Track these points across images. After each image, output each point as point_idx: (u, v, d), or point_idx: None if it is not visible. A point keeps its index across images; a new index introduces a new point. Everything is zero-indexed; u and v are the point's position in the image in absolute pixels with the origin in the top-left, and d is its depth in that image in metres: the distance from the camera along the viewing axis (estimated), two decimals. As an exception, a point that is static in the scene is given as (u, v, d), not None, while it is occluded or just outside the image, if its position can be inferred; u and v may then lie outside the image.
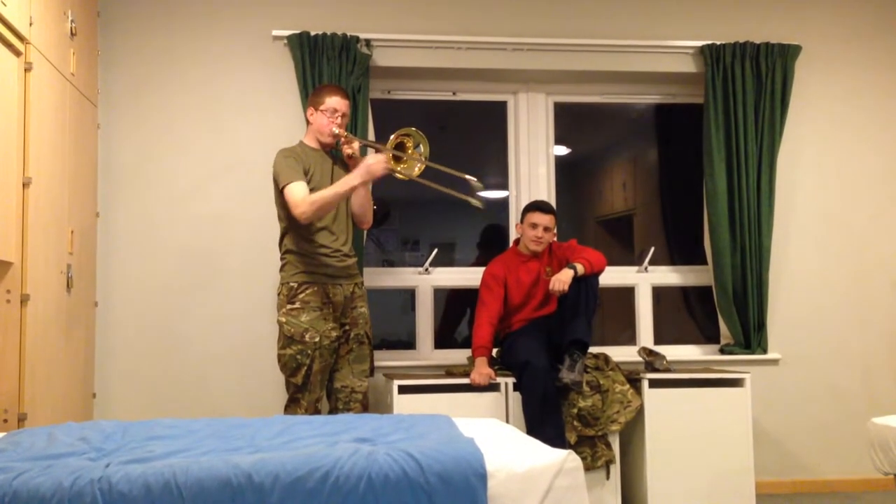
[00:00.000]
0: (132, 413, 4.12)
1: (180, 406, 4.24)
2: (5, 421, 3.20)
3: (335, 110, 3.78)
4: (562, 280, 3.89)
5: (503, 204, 4.86)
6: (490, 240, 4.96)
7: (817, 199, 4.80)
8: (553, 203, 4.77)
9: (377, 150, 3.80)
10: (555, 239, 4.30)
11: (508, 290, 4.20)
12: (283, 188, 3.61)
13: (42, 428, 2.83)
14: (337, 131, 3.78)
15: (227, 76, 4.47)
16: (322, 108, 3.79)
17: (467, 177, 3.61)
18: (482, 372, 3.96)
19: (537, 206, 4.23)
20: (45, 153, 3.54)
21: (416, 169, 3.60)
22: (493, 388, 3.99)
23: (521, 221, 4.27)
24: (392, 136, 3.63)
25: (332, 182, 3.72)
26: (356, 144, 3.81)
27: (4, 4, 3.11)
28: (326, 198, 3.58)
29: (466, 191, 3.65)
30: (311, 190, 3.66)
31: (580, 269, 3.94)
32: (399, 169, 3.61)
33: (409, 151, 3.62)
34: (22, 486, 2.12)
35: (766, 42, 4.66)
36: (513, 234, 4.57)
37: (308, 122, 3.88)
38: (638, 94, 4.97)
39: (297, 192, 3.58)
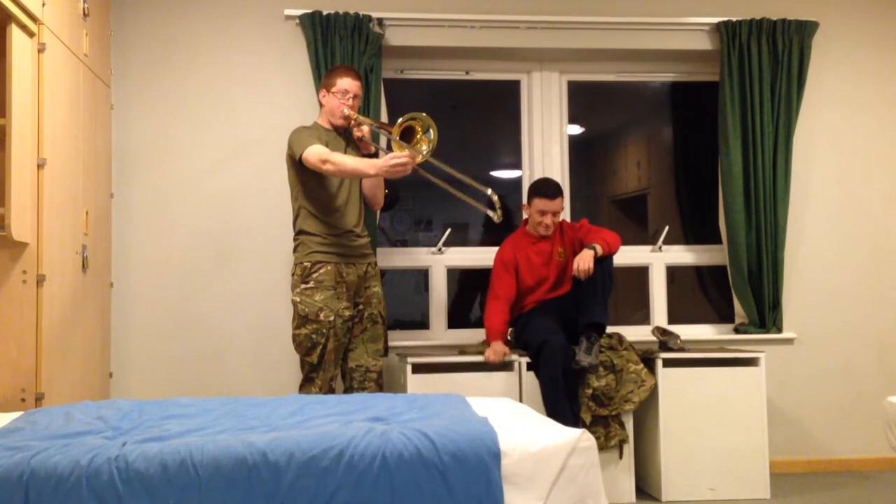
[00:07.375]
0: (148, 392, 4.16)
1: (196, 385, 4.27)
2: (23, 400, 3.23)
3: (346, 91, 3.78)
4: (585, 260, 3.84)
5: (516, 184, 4.84)
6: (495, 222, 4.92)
7: (833, 177, 4.75)
8: (567, 183, 4.76)
9: (386, 130, 3.81)
10: (563, 217, 4.26)
11: (520, 272, 4.17)
12: (301, 155, 3.60)
13: (59, 407, 2.86)
14: (347, 113, 3.77)
15: (240, 56, 4.46)
16: (333, 89, 3.79)
17: (489, 191, 3.58)
18: (497, 350, 3.96)
19: (543, 192, 4.12)
20: (59, 134, 3.55)
21: (420, 157, 3.57)
22: (506, 367, 3.99)
23: (528, 203, 4.21)
24: (400, 120, 3.59)
25: None
26: (365, 127, 3.81)
27: (17, -15, 3.11)
28: (346, 165, 3.55)
29: (481, 197, 3.64)
30: None
31: (599, 250, 3.88)
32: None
33: (418, 136, 3.60)
34: (40, 464, 2.15)
35: (782, 18, 4.60)
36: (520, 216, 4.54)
37: (321, 105, 3.88)
38: (653, 73, 4.93)
39: (318, 149, 3.58)
